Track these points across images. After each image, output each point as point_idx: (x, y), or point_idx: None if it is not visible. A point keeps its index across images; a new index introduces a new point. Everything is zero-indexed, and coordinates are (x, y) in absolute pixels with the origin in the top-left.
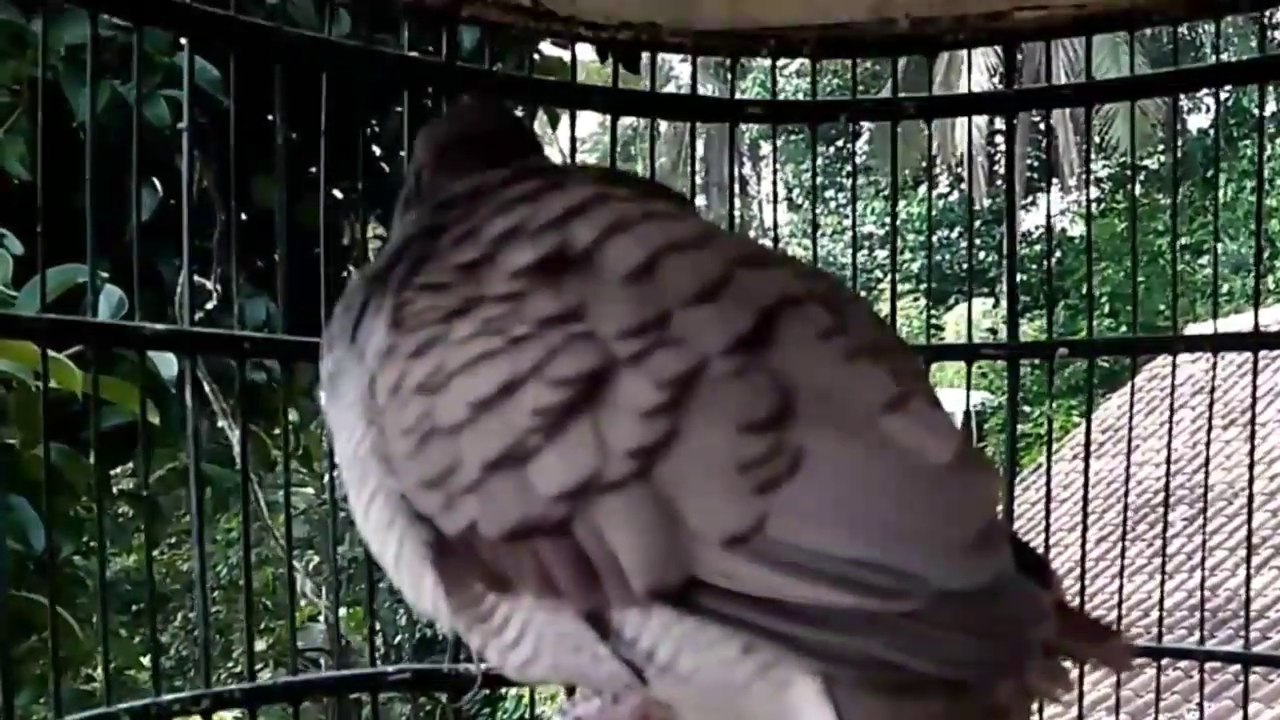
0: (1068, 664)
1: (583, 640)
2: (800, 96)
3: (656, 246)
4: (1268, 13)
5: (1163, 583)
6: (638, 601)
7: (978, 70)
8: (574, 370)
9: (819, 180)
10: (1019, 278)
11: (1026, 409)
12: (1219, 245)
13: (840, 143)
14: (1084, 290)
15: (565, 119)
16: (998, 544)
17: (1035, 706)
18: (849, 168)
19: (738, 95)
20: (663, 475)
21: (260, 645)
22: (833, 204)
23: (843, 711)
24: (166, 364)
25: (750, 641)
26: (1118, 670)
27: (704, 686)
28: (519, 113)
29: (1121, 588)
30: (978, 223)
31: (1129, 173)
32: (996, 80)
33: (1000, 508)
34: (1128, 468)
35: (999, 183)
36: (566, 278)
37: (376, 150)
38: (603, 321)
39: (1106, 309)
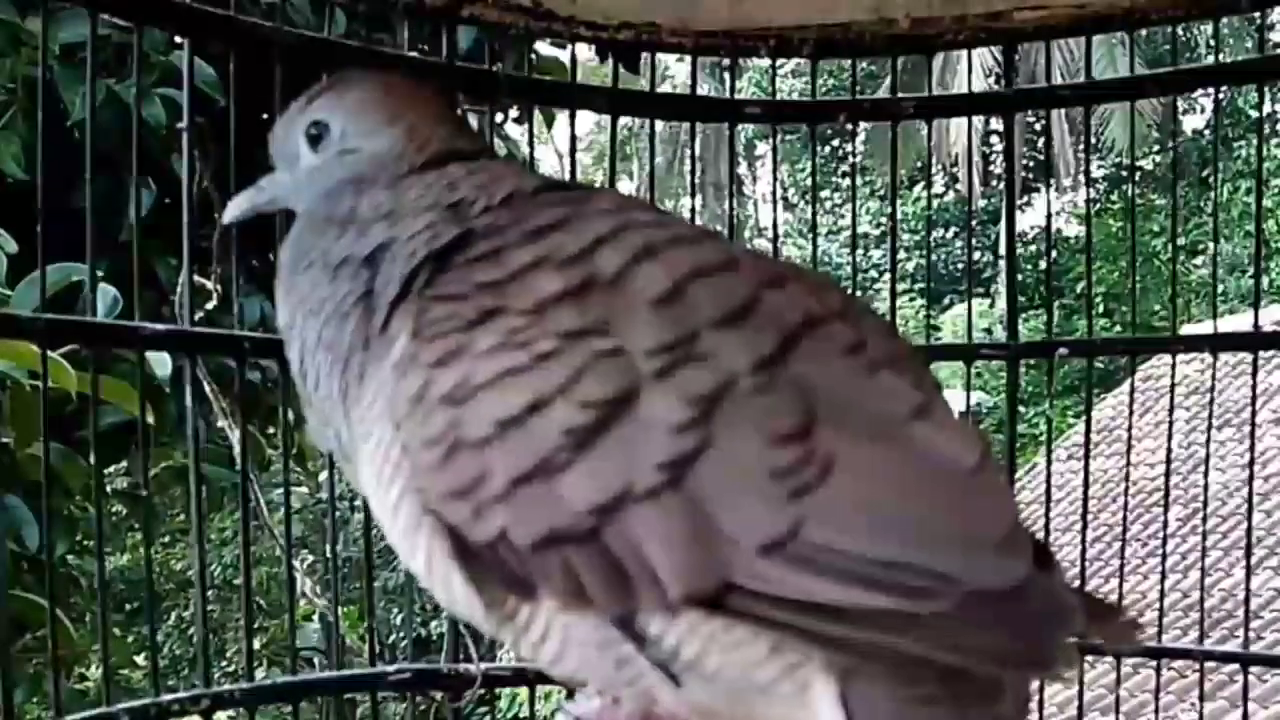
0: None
1: (608, 642)
2: (797, 96)
3: (683, 272)
4: (1266, 13)
5: (1162, 583)
6: (673, 607)
7: (975, 70)
8: (602, 393)
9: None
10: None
11: (1022, 409)
12: (1215, 246)
13: (836, 143)
14: (1080, 290)
15: (563, 118)
16: (1024, 543)
17: (1034, 706)
18: (844, 168)
19: (735, 95)
20: (696, 485)
21: (255, 644)
22: (828, 204)
23: (854, 714)
24: (162, 364)
25: (778, 642)
26: (1124, 645)
27: (728, 686)
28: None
29: (1120, 588)
30: (973, 223)
31: (1125, 173)
32: (993, 80)
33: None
34: (1127, 468)
35: (994, 183)
36: (593, 295)
37: None
38: (630, 336)
39: (1101, 309)
